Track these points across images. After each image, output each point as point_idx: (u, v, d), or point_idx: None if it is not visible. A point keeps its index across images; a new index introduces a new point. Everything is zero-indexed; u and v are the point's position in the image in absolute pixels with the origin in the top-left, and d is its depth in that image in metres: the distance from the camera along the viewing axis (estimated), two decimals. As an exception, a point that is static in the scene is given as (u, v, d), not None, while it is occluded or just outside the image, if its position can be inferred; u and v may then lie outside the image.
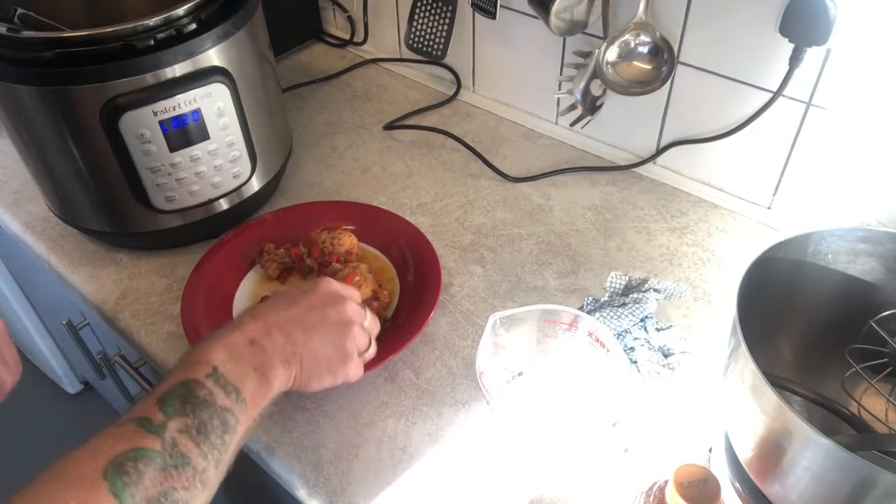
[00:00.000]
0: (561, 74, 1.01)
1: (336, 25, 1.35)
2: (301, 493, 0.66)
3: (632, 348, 0.73)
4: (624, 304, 0.74)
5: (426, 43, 1.10)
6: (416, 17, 1.09)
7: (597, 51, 0.88)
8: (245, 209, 0.91)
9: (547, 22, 0.88)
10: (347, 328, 0.63)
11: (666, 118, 0.95)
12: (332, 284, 0.65)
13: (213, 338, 0.56)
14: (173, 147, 0.78)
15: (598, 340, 0.65)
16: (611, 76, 0.89)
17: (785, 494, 0.52)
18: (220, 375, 0.53)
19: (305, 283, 0.65)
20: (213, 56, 0.77)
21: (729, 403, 0.57)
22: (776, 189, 0.90)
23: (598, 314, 0.73)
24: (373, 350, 0.67)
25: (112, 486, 0.44)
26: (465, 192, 0.98)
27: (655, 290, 0.76)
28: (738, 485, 0.60)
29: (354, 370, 0.64)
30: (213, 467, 0.50)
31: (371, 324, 0.67)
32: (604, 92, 0.95)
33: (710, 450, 0.66)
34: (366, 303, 0.77)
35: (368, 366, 0.72)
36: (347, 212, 0.91)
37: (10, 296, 1.45)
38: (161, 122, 0.76)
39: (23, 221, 0.96)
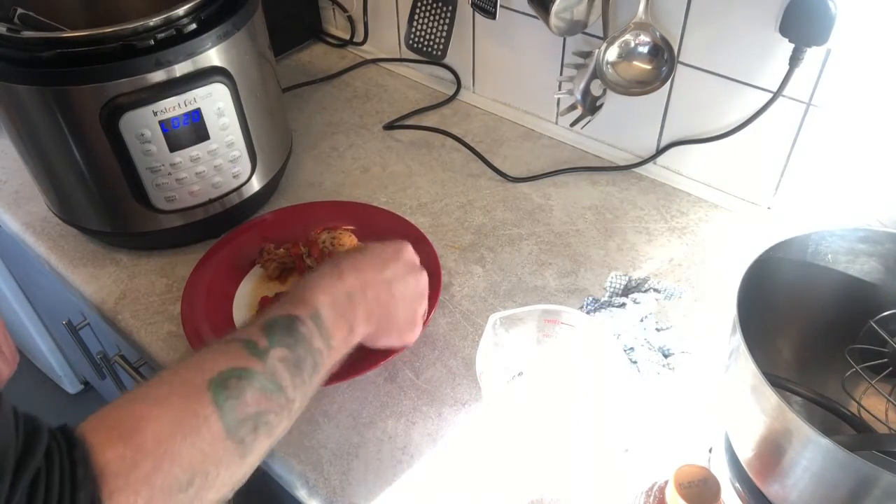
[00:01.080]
0: (561, 74, 1.01)
1: (336, 25, 1.35)
2: (301, 493, 0.66)
3: (632, 348, 0.73)
4: (624, 305, 0.74)
5: (426, 43, 1.10)
6: (416, 17, 1.09)
7: (597, 51, 0.88)
8: (245, 209, 0.91)
9: (547, 22, 0.88)
10: (422, 299, 0.67)
11: (666, 118, 0.95)
12: (412, 253, 0.67)
13: (318, 280, 0.58)
14: (173, 147, 0.78)
15: (597, 340, 0.65)
16: (611, 76, 0.89)
17: (785, 494, 0.52)
18: (320, 319, 0.55)
19: (389, 244, 0.67)
20: (213, 56, 0.77)
21: (729, 403, 0.57)
22: (776, 189, 0.90)
23: (598, 314, 0.73)
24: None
25: (215, 397, 0.46)
26: (465, 192, 0.98)
27: (655, 290, 0.76)
28: (738, 485, 0.60)
29: (415, 335, 0.68)
30: (299, 400, 0.52)
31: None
32: (604, 92, 0.95)
33: (710, 450, 0.66)
34: None
35: (368, 366, 0.72)
36: (347, 212, 0.91)
37: (10, 296, 1.45)
38: (161, 122, 0.76)
39: (23, 221, 0.96)
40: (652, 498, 0.54)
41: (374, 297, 0.61)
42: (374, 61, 1.27)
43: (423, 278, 0.68)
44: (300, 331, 0.54)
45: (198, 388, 0.46)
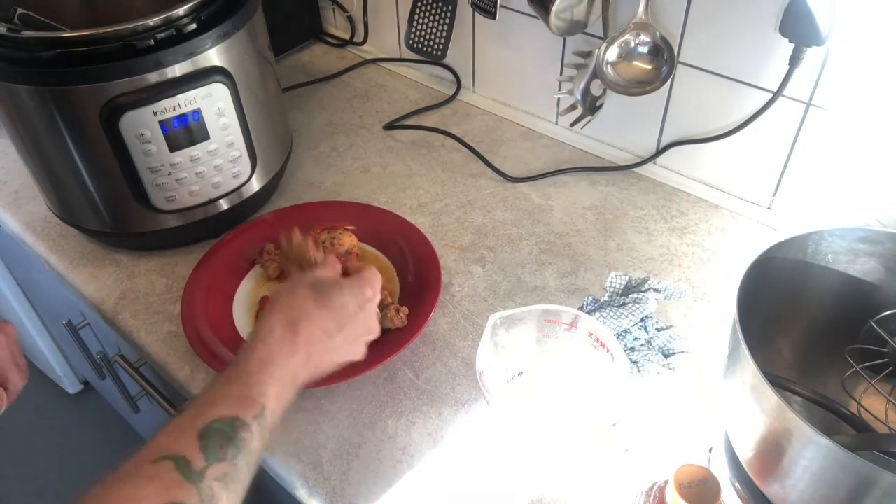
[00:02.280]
0: (561, 74, 1.01)
1: (336, 25, 1.35)
2: (301, 493, 0.66)
3: (632, 348, 0.73)
4: (624, 304, 0.74)
5: (426, 43, 1.10)
6: (416, 17, 1.09)
7: (597, 51, 0.88)
8: (245, 209, 0.91)
9: (547, 22, 0.88)
10: (367, 336, 0.64)
11: (666, 118, 0.95)
12: (374, 305, 0.64)
13: (273, 356, 0.54)
14: (173, 147, 0.78)
15: (598, 340, 0.65)
16: (611, 76, 0.89)
17: (785, 494, 0.52)
18: (264, 417, 0.52)
19: (363, 287, 0.63)
20: (213, 56, 0.77)
21: (729, 403, 0.57)
22: (776, 189, 0.90)
23: (598, 314, 0.73)
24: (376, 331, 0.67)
25: None
26: (465, 192, 0.98)
27: (655, 290, 0.76)
28: (738, 485, 0.60)
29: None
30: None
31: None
32: (604, 92, 0.95)
33: (710, 450, 0.66)
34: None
35: (368, 366, 0.72)
36: (347, 212, 0.91)
37: (10, 296, 1.45)
38: (161, 122, 0.76)
39: (23, 221, 0.96)
40: (652, 498, 0.54)
41: (314, 368, 0.59)
42: (374, 61, 1.27)
43: (373, 315, 0.64)
44: (242, 438, 0.49)
45: None
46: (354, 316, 0.61)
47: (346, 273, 0.67)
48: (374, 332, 0.65)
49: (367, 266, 0.66)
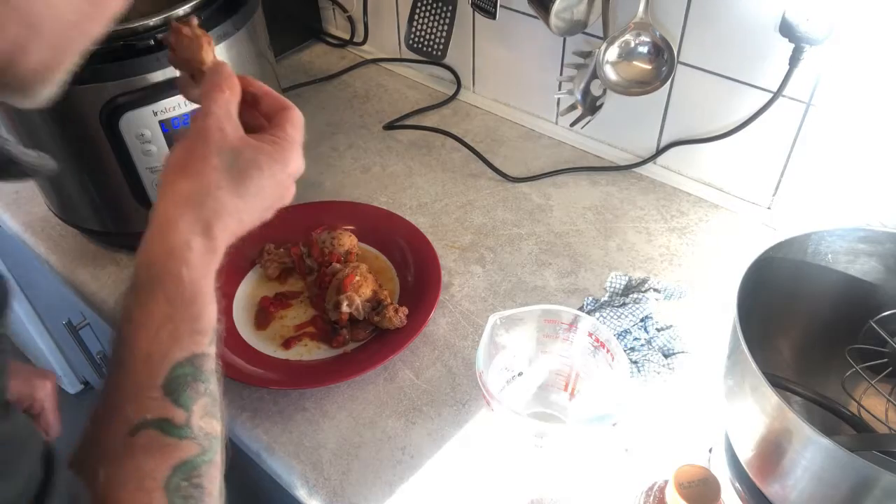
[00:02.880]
0: (561, 74, 1.01)
1: (336, 25, 1.35)
2: (301, 493, 0.66)
3: (632, 348, 0.73)
4: (624, 304, 0.74)
5: (426, 43, 1.10)
6: (416, 17, 1.09)
7: (597, 51, 0.88)
8: (245, 209, 0.91)
9: (547, 22, 0.88)
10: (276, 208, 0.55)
11: (666, 118, 0.95)
12: (292, 164, 0.53)
13: (200, 276, 0.47)
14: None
15: (598, 340, 0.65)
16: (611, 76, 0.89)
17: (785, 494, 0.52)
18: (215, 334, 0.48)
19: (286, 166, 0.53)
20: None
21: (729, 403, 0.57)
22: (776, 189, 0.90)
23: (598, 314, 0.73)
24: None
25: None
26: (465, 192, 0.98)
27: (655, 290, 0.76)
28: (738, 485, 0.60)
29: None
30: (222, 424, 0.47)
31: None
32: (604, 92, 0.95)
33: (710, 450, 0.66)
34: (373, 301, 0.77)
35: (368, 366, 0.72)
36: (347, 212, 0.91)
37: (10, 296, 1.45)
38: (161, 122, 0.76)
39: (23, 221, 0.96)
40: (652, 498, 0.54)
41: (241, 231, 0.51)
42: (374, 61, 1.27)
43: (286, 199, 0.55)
44: (205, 370, 0.46)
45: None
46: (271, 200, 0.53)
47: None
48: (289, 198, 0.55)
49: (288, 107, 0.55)
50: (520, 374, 0.70)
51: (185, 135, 0.52)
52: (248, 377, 0.72)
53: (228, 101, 0.52)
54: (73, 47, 0.39)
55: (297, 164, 0.53)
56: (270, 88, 0.55)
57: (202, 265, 0.47)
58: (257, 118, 0.55)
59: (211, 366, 0.46)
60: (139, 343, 0.44)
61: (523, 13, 0.99)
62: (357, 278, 0.77)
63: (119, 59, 0.71)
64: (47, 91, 0.40)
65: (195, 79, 0.54)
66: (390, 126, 1.11)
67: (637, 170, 1.00)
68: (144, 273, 0.47)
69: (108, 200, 0.83)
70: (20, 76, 0.38)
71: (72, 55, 0.40)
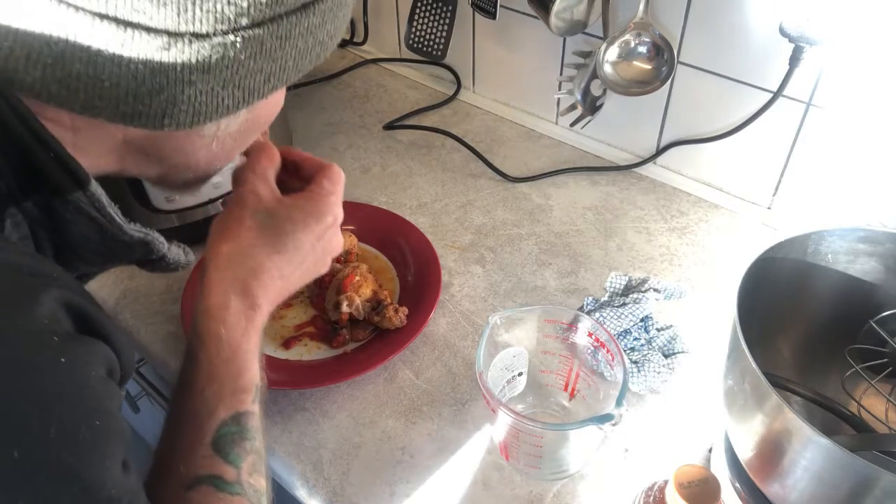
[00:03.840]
0: (561, 74, 1.01)
1: (336, 25, 1.35)
2: (301, 493, 0.66)
3: (632, 348, 0.73)
4: (624, 304, 0.74)
5: (426, 43, 1.10)
6: (416, 17, 1.09)
7: (597, 51, 0.88)
8: (245, 209, 0.91)
9: (547, 22, 0.88)
10: (331, 255, 0.58)
11: (666, 118, 0.95)
12: (336, 231, 0.57)
13: (239, 336, 0.50)
14: (173, 147, 0.78)
15: (598, 340, 0.65)
16: (611, 76, 0.89)
17: (785, 494, 0.52)
18: (259, 392, 0.50)
19: (321, 218, 0.54)
20: (213, 56, 0.77)
21: (729, 403, 0.57)
22: (776, 189, 0.90)
23: (598, 314, 0.73)
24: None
25: None
26: (465, 192, 0.98)
27: (655, 290, 0.76)
28: (738, 485, 0.60)
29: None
30: (267, 480, 0.49)
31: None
32: (604, 92, 0.95)
33: (710, 450, 0.66)
34: (372, 301, 0.77)
35: (368, 366, 0.72)
36: (347, 212, 0.90)
37: (10, 296, 1.45)
38: (161, 122, 0.75)
39: (23, 221, 0.96)
40: (652, 498, 0.54)
41: (277, 299, 0.54)
42: (374, 61, 1.27)
43: (333, 255, 0.58)
44: (251, 427, 0.48)
45: None
46: (313, 250, 0.55)
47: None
48: (338, 248, 0.58)
49: (328, 167, 0.57)
50: (520, 374, 0.70)
51: (227, 203, 0.57)
52: (248, 377, 0.72)
53: (265, 168, 0.56)
54: (215, 170, 0.51)
55: (334, 214, 0.56)
56: (310, 154, 0.59)
57: (239, 324, 0.50)
58: (300, 183, 0.58)
59: (256, 423, 0.49)
60: (187, 402, 0.48)
61: (523, 13, 0.99)
62: (357, 278, 0.77)
63: (119, 59, 0.71)
64: (188, 192, 0.54)
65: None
66: (390, 126, 1.11)
67: (637, 170, 1.00)
68: (191, 334, 0.51)
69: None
70: (170, 184, 0.51)
71: (208, 176, 0.52)
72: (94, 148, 0.44)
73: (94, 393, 0.36)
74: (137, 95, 0.38)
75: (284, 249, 0.53)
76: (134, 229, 0.47)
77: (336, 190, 0.56)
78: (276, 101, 0.49)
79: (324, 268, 0.58)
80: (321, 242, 0.55)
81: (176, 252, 0.53)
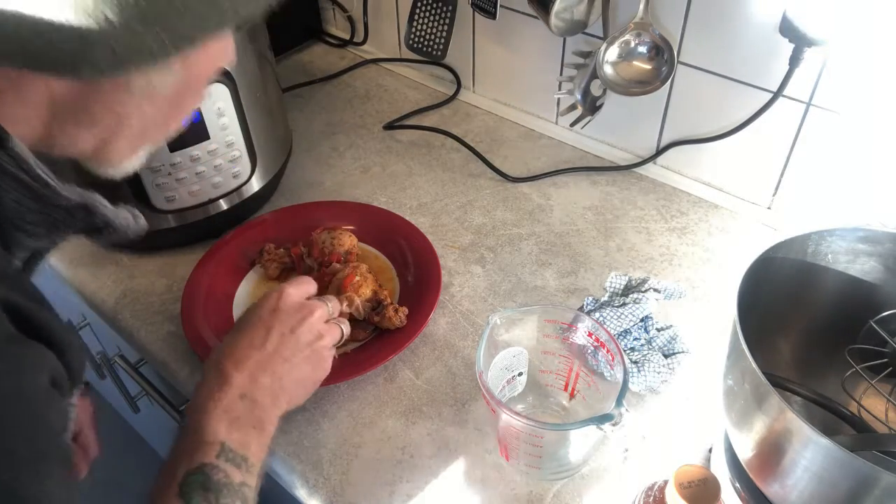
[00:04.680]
0: (561, 74, 1.01)
1: (336, 25, 1.35)
2: (301, 493, 0.66)
3: (632, 348, 0.73)
4: (624, 305, 0.74)
5: (426, 43, 1.10)
6: (416, 17, 1.09)
7: (597, 51, 0.88)
8: (245, 209, 0.91)
9: (547, 22, 0.88)
10: (320, 342, 0.63)
11: (666, 118, 0.95)
12: (292, 296, 0.64)
13: (207, 398, 0.55)
14: (173, 147, 0.78)
15: (598, 340, 0.65)
16: (611, 76, 0.89)
17: (785, 494, 0.52)
18: (228, 450, 0.53)
19: (261, 303, 0.63)
20: (213, 56, 0.77)
21: (729, 403, 0.57)
22: (776, 189, 0.90)
23: (598, 314, 0.73)
24: (347, 330, 0.68)
25: None
26: (465, 192, 0.98)
27: (655, 290, 0.76)
28: (738, 485, 0.60)
29: (329, 367, 0.65)
30: None
31: (335, 309, 0.68)
32: (604, 92, 0.95)
33: (710, 450, 0.66)
34: (372, 301, 0.77)
35: (368, 366, 0.72)
36: (347, 212, 0.91)
37: (10, 296, 1.45)
38: (161, 122, 0.75)
39: (23, 221, 0.96)
40: (652, 498, 0.54)
41: (271, 377, 0.58)
42: (374, 61, 1.27)
43: (315, 317, 0.63)
44: (216, 479, 0.51)
45: None
46: (272, 317, 0.62)
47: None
48: (328, 335, 0.64)
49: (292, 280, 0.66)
50: (520, 374, 0.70)
51: None
52: (248, 377, 0.72)
53: None
54: (153, 140, 0.50)
55: (277, 293, 0.63)
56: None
57: (209, 389, 0.56)
58: None
59: (224, 479, 0.52)
60: (168, 457, 0.53)
61: (523, 13, 0.99)
62: (357, 278, 0.77)
63: (119, 59, 0.71)
64: (125, 167, 0.51)
65: None
66: (390, 126, 1.11)
67: (637, 170, 1.00)
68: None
69: (109, 200, 0.82)
70: (106, 157, 0.49)
71: (150, 145, 0.50)
72: (17, 111, 0.40)
73: (33, 404, 0.35)
74: (45, 34, 0.35)
75: (241, 328, 0.61)
76: (70, 190, 0.45)
77: (284, 283, 0.65)
78: (214, 54, 0.46)
79: (321, 358, 0.63)
80: (280, 311, 0.62)
81: (124, 217, 0.52)
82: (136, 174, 0.78)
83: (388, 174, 1.02)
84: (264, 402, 0.57)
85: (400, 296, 0.81)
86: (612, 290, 0.78)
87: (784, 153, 0.86)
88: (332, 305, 0.67)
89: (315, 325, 0.63)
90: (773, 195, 0.90)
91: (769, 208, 0.92)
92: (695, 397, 0.71)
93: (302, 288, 0.65)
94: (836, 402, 0.60)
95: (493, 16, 0.98)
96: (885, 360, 0.61)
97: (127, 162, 0.50)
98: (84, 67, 0.38)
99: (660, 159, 0.99)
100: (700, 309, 0.80)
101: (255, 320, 0.62)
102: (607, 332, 0.64)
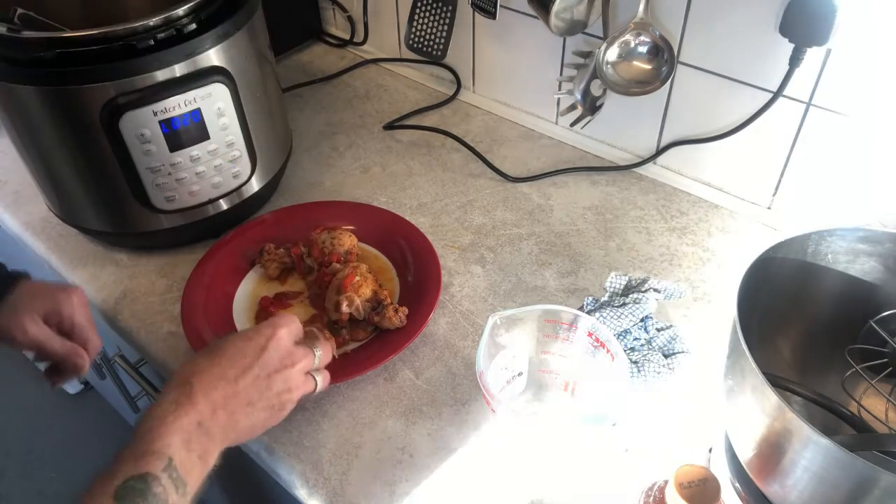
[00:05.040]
0: (561, 74, 1.01)
1: (336, 25, 1.35)
2: (301, 493, 0.66)
3: (632, 348, 0.73)
4: (624, 304, 0.74)
5: (426, 43, 1.10)
6: (416, 17, 1.09)
7: (597, 51, 0.88)
8: (245, 209, 0.91)
9: (547, 22, 0.88)
10: (288, 395, 0.62)
11: (666, 118, 0.95)
12: (283, 341, 0.62)
13: (166, 413, 0.54)
14: (173, 147, 0.78)
15: (597, 340, 0.65)
16: (611, 76, 0.89)
17: (785, 494, 0.52)
18: (174, 469, 0.52)
19: (259, 331, 0.62)
20: (212, 56, 0.77)
21: (729, 403, 0.57)
22: (776, 189, 0.90)
23: (598, 314, 0.73)
24: (322, 384, 0.65)
25: None
26: (465, 192, 0.98)
27: (655, 290, 0.76)
28: (738, 485, 0.60)
29: (283, 417, 0.63)
30: None
31: (324, 360, 0.66)
32: (604, 92, 0.95)
33: (710, 450, 0.66)
34: (372, 300, 0.77)
35: (368, 366, 0.72)
36: (347, 212, 0.91)
37: (10, 296, 1.45)
38: (161, 122, 0.76)
39: (23, 221, 0.96)
40: (652, 498, 0.54)
41: (229, 417, 0.57)
42: (374, 61, 1.27)
43: (296, 371, 0.62)
44: (155, 492, 0.50)
45: None
46: (257, 356, 0.60)
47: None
48: (296, 365, 0.62)
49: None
50: (520, 374, 0.70)
51: None
52: (248, 377, 0.72)
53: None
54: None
55: (269, 329, 0.62)
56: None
57: (172, 404, 0.55)
58: None
59: (159, 490, 0.50)
60: (114, 456, 0.52)
61: (523, 13, 0.99)
62: (357, 278, 0.77)
63: (119, 59, 0.71)
64: None
65: None
66: (390, 126, 1.11)
67: (637, 170, 1.00)
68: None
69: (108, 200, 0.83)
70: None
71: None
72: None
73: None
74: None
75: (225, 353, 0.59)
76: None
77: (282, 321, 0.63)
78: None
79: (289, 390, 0.62)
80: (268, 351, 0.60)
81: None
82: (137, 174, 0.79)
83: (388, 174, 1.02)
84: (215, 437, 0.56)
85: (400, 296, 0.81)
86: (612, 290, 0.78)
87: (784, 153, 0.86)
88: (323, 354, 0.65)
89: (293, 377, 0.62)
90: (773, 195, 0.90)
91: (769, 208, 0.92)
92: (695, 397, 0.71)
93: (294, 329, 0.64)
94: (836, 402, 0.60)
95: (493, 16, 0.98)
96: (885, 360, 0.61)
97: None
98: None
99: (660, 159, 0.99)
100: (700, 309, 0.80)
101: (238, 352, 0.60)
102: (607, 332, 0.64)
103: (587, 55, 0.93)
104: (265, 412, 0.60)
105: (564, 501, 0.64)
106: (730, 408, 0.57)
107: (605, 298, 0.77)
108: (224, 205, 0.87)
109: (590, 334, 0.66)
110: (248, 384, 0.59)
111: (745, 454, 0.55)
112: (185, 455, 0.53)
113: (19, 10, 0.76)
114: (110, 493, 0.49)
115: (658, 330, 0.74)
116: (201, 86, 0.76)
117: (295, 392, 0.62)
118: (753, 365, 0.49)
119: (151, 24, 0.72)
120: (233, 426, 0.58)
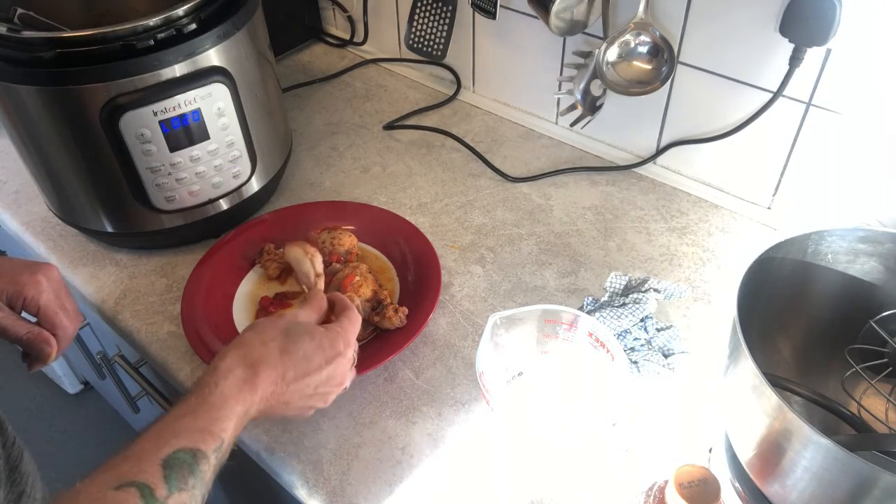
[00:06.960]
0: (561, 74, 1.01)
1: (336, 25, 1.35)
2: (301, 493, 0.66)
3: (632, 348, 0.73)
4: (624, 305, 0.74)
5: (426, 43, 1.10)
6: (416, 17, 1.09)
7: (597, 51, 0.88)
8: (245, 209, 0.91)
9: (547, 22, 0.88)
10: (316, 405, 0.62)
11: (666, 118, 0.95)
12: (344, 365, 0.62)
13: (231, 392, 0.54)
14: (173, 147, 0.78)
15: (598, 340, 0.65)
16: (611, 76, 0.89)
17: (785, 494, 0.52)
18: (221, 451, 0.52)
19: (338, 337, 0.62)
20: (213, 56, 0.77)
21: (729, 403, 0.57)
22: (776, 189, 0.90)
23: (598, 314, 0.73)
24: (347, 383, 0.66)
25: None
26: (465, 192, 0.98)
27: (655, 290, 0.76)
28: (738, 485, 0.60)
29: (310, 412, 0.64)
30: None
31: (355, 359, 0.66)
32: (604, 92, 0.95)
33: (710, 450, 0.66)
34: (372, 301, 0.77)
35: (368, 366, 0.72)
36: (347, 212, 0.91)
37: (10, 296, 1.45)
38: (161, 122, 0.76)
39: (23, 221, 0.96)
40: (652, 498, 0.54)
41: (265, 409, 0.58)
42: (374, 61, 1.27)
43: (340, 388, 0.63)
44: (202, 469, 0.50)
45: None
46: (318, 369, 0.60)
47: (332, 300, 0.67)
48: (341, 385, 0.63)
49: (350, 308, 0.65)
50: (520, 374, 0.70)
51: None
52: (248, 377, 0.72)
53: (309, 315, 0.64)
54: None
55: (343, 346, 0.62)
56: (341, 295, 0.69)
57: (237, 387, 0.55)
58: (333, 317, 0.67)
59: (206, 471, 0.50)
60: (159, 422, 0.51)
61: (523, 13, 0.99)
62: (357, 278, 0.77)
63: (119, 59, 0.71)
64: None
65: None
66: (390, 126, 1.11)
67: (637, 170, 1.00)
68: (192, 386, 0.55)
69: (108, 200, 0.83)
70: None
71: None
72: None
73: None
74: None
75: (295, 354, 0.59)
76: None
77: (351, 329, 0.64)
78: None
79: (321, 401, 0.62)
80: (329, 366, 0.60)
81: None
82: (137, 174, 0.79)
83: (388, 174, 1.02)
84: (244, 423, 0.56)
85: (400, 296, 0.81)
86: (612, 290, 0.78)
87: (784, 153, 0.86)
88: (355, 353, 0.65)
89: (331, 394, 0.63)
90: (773, 195, 0.90)
91: (769, 208, 0.92)
92: (695, 397, 0.71)
93: (355, 348, 0.64)
94: (836, 402, 0.60)
95: (493, 16, 0.98)
96: (885, 360, 0.61)
97: None
98: None
99: (660, 159, 0.99)
100: (700, 309, 0.80)
101: (305, 358, 0.59)
102: (607, 332, 0.64)
103: (587, 55, 0.93)
104: (292, 412, 0.61)
105: (564, 501, 0.64)
106: (730, 408, 0.57)
107: (605, 298, 0.77)
108: (224, 205, 0.87)
109: (590, 334, 0.66)
110: (296, 390, 0.59)
111: (745, 454, 0.55)
112: (230, 440, 0.54)
113: (19, 10, 0.76)
114: (160, 458, 0.48)
115: (658, 330, 0.74)
116: (201, 86, 0.76)
117: (322, 404, 0.63)
118: (753, 365, 0.49)
119: (151, 24, 0.72)
120: (260, 416, 0.58)
